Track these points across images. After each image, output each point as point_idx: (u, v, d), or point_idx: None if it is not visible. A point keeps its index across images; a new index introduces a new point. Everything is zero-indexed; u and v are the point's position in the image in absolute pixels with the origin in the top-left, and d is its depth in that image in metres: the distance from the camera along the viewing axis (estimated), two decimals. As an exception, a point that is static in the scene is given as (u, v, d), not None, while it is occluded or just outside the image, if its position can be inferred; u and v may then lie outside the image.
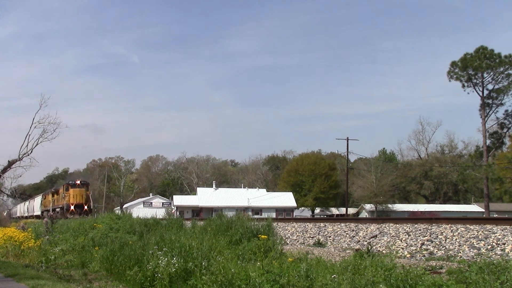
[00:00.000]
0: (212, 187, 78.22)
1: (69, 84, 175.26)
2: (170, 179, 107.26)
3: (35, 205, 58.64)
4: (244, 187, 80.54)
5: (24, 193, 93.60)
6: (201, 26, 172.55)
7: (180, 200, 75.57)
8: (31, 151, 25.28)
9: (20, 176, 26.65)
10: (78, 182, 42.59)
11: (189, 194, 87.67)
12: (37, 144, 25.43)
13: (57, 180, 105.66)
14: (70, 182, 43.36)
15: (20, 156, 25.19)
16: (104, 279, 10.75)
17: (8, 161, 25.49)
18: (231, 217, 14.56)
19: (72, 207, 39.29)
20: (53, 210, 45.83)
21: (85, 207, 40.20)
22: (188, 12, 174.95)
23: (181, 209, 69.04)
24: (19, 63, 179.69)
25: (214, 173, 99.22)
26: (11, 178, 26.63)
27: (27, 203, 67.68)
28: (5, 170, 25.50)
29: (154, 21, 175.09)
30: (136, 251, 10.64)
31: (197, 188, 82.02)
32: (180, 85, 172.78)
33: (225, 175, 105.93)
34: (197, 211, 70.06)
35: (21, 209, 70.83)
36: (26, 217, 59.85)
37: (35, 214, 57.08)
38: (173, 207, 71.75)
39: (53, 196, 48.67)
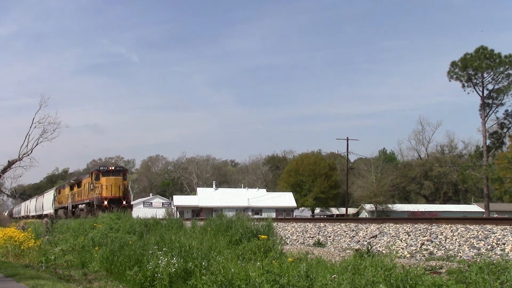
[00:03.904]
0: (212, 187, 78.26)
1: (69, 84, 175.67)
2: (170, 179, 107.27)
3: (45, 202, 49.69)
4: (244, 187, 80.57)
5: (24, 193, 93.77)
6: (201, 26, 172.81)
7: (180, 200, 75.59)
8: (31, 151, 25.33)
9: (20, 176, 26.72)
10: (112, 168, 32.52)
11: (189, 194, 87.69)
12: (37, 144, 25.49)
13: (57, 180, 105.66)
14: (101, 168, 32.61)
15: (20, 156, 25.23)
16: (104, 279, 10.75)
17: (8, 161, 25.54)
18: (231, 217, 14.55)
19: (105, 202, 29.37)
20: (74, 206, 36.23)
21: (124, 202, 30.13)
22: (188, 11, 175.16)
23: (181, 209, 69.01)
24: (19, 62, 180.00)
25: (214, 173, 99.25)
26: (11, 178, 26.69)
27: (33, 200, 59.69)
28: (5, 170, 25.53)
29: (154, 20, 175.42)
30: (136, 251, 10.63)
31: (197, 188, 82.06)
32: (180, 85, 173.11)
33: (225, 175, 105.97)
34: (197, 211, 70.05)
35: (27, 207, 62.84)
36: (33, 217, 52.90)
37: (45, 213, 47.98)
38: (173, 207, 71.73)
39: (72, 189, 38.45)
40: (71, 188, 38.64)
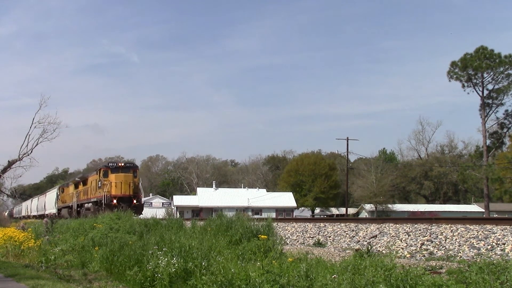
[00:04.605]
0: (212, 187, 78.27)
1: (69, 84, 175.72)
2: (170, 179, 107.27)
3: (48, 201, 47.80)
4: (244, 187, 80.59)
5: (24, 193, 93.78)
6: (201, 26, 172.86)
7: (180, 200, 75.60)
8: (31, 151, 25.40)
9: (20, 176, 26.83)
10: (122, 164, 30.26)
11: (189, 194, 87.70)
12: (37, 144, 25.56)
13: (57, 180, 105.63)
14: (110, 164, 30.05)
15: (20, 156, 25.29)
16: (104, 279, 10.75)
17: (8, 161, 25.60)
18: (231, 217, 14.54)
19: (114, 201, 27.42)
20: (80, 206, 34.16)
21: (134, 201, 28.33)
22: (188, 11, 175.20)
23: (181, 209, 69.03)
24: (19, 62, 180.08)
25: (214, 173, 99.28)
26: (11, 178, 26.76)
27: (35, 200, 58.34)
28: (5, 170, 25.59)
29: (154, 20, 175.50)
30: (136, 251, 10.63)
31: (197, 188, 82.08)
32: (180, 84, 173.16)
33: (225, 175, 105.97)
34: (197, 211, 70.07)
35: (28, 207, 61.47)
36: (35, 217, 51.24)
37: (47, 212, 46.03)
38: (173, 207, 71.73)
39: (77, 187, 36.37)
40: (76, 187, 36.65)
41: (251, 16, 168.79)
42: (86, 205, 32.18)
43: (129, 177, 28.79)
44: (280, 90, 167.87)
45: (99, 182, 28.95)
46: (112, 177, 28.33)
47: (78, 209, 34.37)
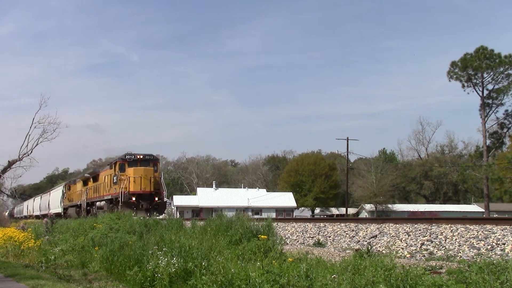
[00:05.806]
0: (212, 187, 78.27)
1: (69, 84, 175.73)
2: (170, 179, 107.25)
3: (52, 200, 45.69)
4: (244, 187, 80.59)
5: (24, 193, 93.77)
6: (201, 25, 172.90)
7: (180, 200, 75.59)
8: (31, 151, 25.40)
9: (20, 176, 26.83)
10: (141, 156, 26.53)
11: (189, 194, 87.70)
12: (37, 144, 25.55)
13: (57, 180, 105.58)
14: (127, 157, 26.55)
15: (20, 156, 25.29)
16: (104, 279, 10.75)
17: (8, 161, 25.61)
18: (231, 217, 14.54)
19: (133, 198, 24.53)
20: (90, 204, 31.36)
21: (156, 198, 25.56)
22: (188, 11, 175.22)
23: (181, 209, 69.01)
24: (18, 62, 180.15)
25: (214, 173, 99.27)
26: (11, 178, 26.76)
27: (37, 199, 56.50)
28: (5, 170, 25.60)
29: (154, 20, 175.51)
30: (136, 251, 10.63)
31: (197, 188, 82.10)
32: (180, 84, 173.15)
33: (225, 175, 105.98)
34: (197, 211, 70.07)
35: (30, 207, 59.97)
36: (37, 217, 48.80)
37: (51, 211, 43.38)
38: (173, 207, 71.74)
39: (86, 184, 33.58)
40: (85, 183, 33.83)
41: (251, 16, 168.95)
42: (98, 203, 29.45)
43: (149, 171, 25.91)
44: (280, 90, 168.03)
45: (115, 177, 26.09)
46: (130, 171, 25.51)
47: (88, 208, 31.84)
